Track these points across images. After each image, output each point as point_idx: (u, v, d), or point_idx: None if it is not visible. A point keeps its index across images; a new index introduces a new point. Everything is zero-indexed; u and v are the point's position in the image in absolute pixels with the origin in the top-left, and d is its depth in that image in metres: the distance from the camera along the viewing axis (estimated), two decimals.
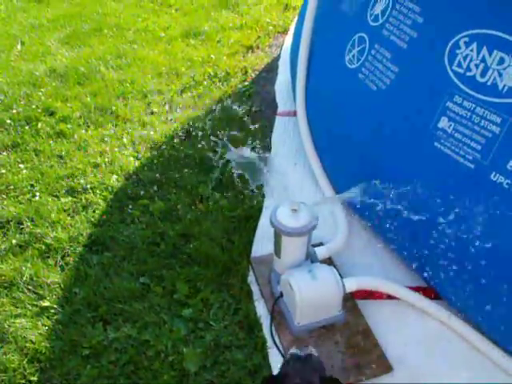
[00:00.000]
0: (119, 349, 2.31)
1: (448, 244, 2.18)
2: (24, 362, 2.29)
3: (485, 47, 2.02)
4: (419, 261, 2.42)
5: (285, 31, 5.41)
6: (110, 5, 6.21)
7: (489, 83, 2.01)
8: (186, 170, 3.36)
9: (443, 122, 2.17)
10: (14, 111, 4.06)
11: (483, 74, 2.03)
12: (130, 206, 3.09)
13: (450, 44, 2.16)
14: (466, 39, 2.09)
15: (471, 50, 2.07)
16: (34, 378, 2.23)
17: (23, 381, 2.23)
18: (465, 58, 2.09)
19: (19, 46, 5.25)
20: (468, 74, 2.08)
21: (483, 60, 2.02)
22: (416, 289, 2.47)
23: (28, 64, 4.85)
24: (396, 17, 2.49)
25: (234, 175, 3.03)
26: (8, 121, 3.94)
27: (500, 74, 1.97)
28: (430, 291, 2.47)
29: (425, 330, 2.37)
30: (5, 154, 3.63)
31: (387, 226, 2.45)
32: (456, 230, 2.14)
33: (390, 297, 2.45)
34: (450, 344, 2.30)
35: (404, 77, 2.42)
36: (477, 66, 2.05)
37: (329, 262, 2.60)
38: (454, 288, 2.28)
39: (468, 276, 2.15)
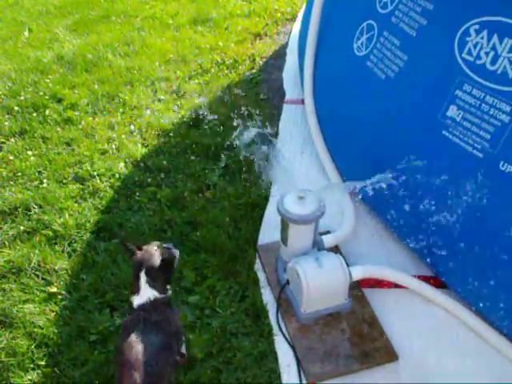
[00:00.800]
0: None
1: (455, 233, 2.17)
2: (32, 347, 2.32)
3: (495, 35, 2.00)
4: (426, 250, 2.41)
5: (293, 18, 5.38)
6: None
7: (499, 71, 1.99)
8: (193, 158, 3.36)
9: (452, 111, 2.16)
10: (22, 98, 4.06)
11: (493, 62, 2.01)
12: (138, 193, 3.10)
13: (460, 31, 2.13)
14: (477, 26, 2.07)
15: (482, 38, 2.05)
16: (42, 363, 2.26)
17: (31, 365, 2.25)
18: (475, 45, 2.07)
19: (27, 33, 5.25)
20: (478, 61, 2.06)
21: (493, 48, 2.00)
22: (423, 278, 2.47)
23: (35, 51, 4.85)
24: (405, 4, 2.47)
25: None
26: (16, 108, 3.95)
27: (511, 62, 1.95)
28: (436, 280, 2.47)
29: (431, 318, 2.37)
30: (13, 140, 3.64)
31: (394, 214, 2.44)
32: (464, 219, 2.13)
33: (396, 285, 2.45)
34: (456, 333, 2.30)
35: (413, 65, 2.40)
36: (487, 53, 2.03)
37: (335, 250, 2.60)
38: (460, 277, 2.27)
39: (475, 265, 2.15)
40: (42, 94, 4.12)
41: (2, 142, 3.63)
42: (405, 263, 2.59)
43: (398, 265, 2.54)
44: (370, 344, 2.24)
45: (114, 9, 5.72)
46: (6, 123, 3.78)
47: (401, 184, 2.25)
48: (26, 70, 4.49)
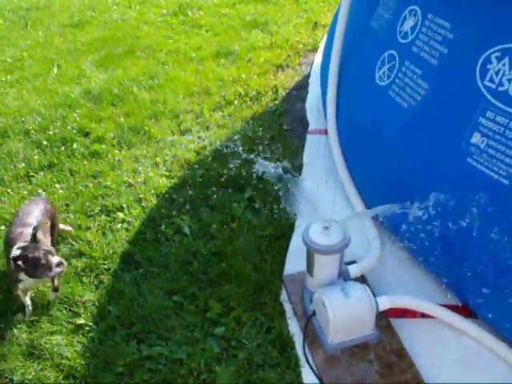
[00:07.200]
0: (153, 367, 2.33)
1: (484, 262, 2.14)
2: (60, 379, 2.34)
3: None
4: (454, 279, 2.38)
5: (314, 49, 5.44)
6: (142, 28, 6.34)
7: None
8: (217, 189, 3.39)
9: (476, 138, 2.15)
10: (51, 132, 4.17)
11: None
12: (164, 225, 3.13)
13: (481, 59, 2.14)
14: (498, 54, 2.07)
15: (503, 65, 2.05)
16: None
17: None
18: (497, 72, 2.07)
19: (55, 70, 5.40)
20: (500, 88, 2.06)
21: None
22: (451, 307, 2.43)
23: (64, 86, 4.99)
24: (426, 33, 2.49)
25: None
26: (44, 142, 4.04)
27: None
28: (465, 309, 2.43)
29: (461, 349, 2.32)
30: (42, 174, 3.72)
31: (420, 243, 2.42)
32: (492, 248, 2.10)
33: (424, 315, 2.41)
34: (487, 363, 2.25)
35: (435, 93, 2.41)
36: (509, 80, 2.02)
37: (362, 280, 2.58)
38: (490, 306, 2.23)
39: (505, 294, 2.11)
40: (69, 128, 4.22)
41: (32, 176, 3.71)
42: (432, 292, 2.56)
43: (425, 294, 2.51)
44: (399, 375, 2.21)
45: (138, 44, 5.87)
46: (36, 157, 3.87)
47: (425, 213, 2.23)
48: (55, 105, 4.61)
